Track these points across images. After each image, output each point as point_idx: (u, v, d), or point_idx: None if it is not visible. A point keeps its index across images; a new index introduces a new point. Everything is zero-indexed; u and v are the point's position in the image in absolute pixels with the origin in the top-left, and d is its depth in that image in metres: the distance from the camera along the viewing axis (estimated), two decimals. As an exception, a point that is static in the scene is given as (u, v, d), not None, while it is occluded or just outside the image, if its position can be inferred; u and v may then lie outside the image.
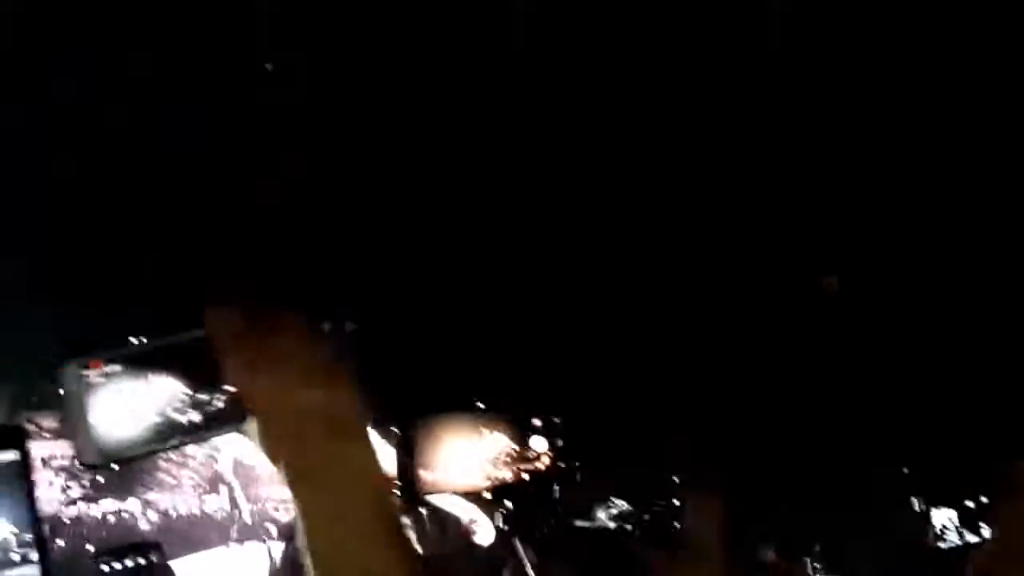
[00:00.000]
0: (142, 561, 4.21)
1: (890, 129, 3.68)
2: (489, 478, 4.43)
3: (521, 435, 4.64)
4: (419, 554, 0.98)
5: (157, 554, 4.32)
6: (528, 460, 4.59)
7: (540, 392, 4.88)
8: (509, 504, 4.62)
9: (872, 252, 4.38)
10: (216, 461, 6.75)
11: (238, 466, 6.68)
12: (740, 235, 4.20)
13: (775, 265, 4.41)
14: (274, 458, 0.96)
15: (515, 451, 4.56)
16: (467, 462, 4.46)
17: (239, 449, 6.57)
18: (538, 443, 4.74)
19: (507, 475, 4.48)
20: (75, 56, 2.76)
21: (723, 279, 4.38)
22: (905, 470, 6.14)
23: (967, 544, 6.01)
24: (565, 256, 4.13)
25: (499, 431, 4.55)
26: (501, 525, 4.64)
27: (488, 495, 4.65)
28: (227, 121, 2.94)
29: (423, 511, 4.80)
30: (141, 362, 0.91)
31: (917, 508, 6.28)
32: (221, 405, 0.96)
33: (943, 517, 6.29)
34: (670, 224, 4.10)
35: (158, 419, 0.94)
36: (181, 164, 2.91)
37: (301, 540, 0.99)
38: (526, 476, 4.56)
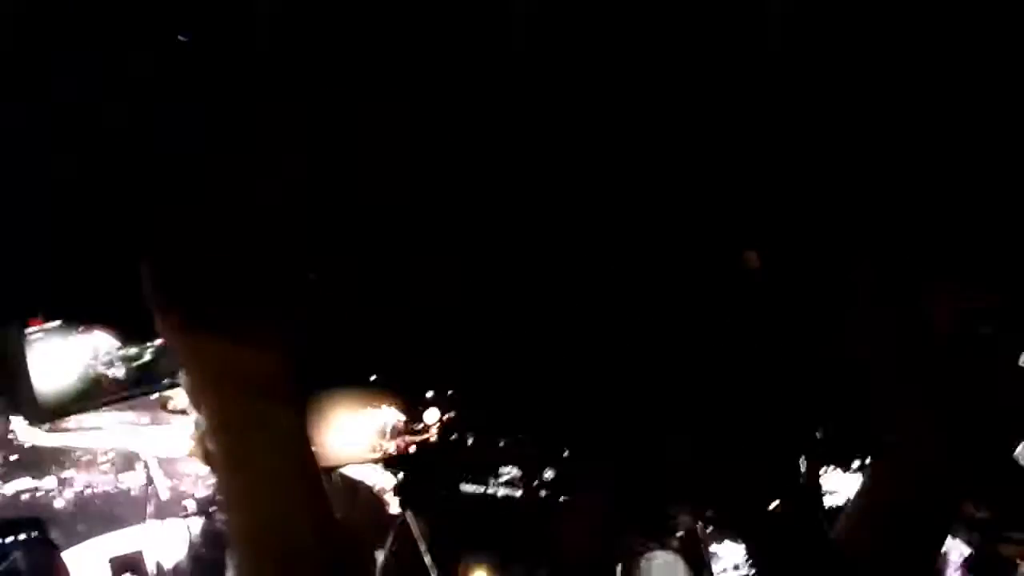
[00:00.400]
0: (22, 537, 4.21)
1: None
2: (381, 450, 4.44)
3: (414, 407, 4.68)
4: (333, 512, 0.99)
5: (37, 530, 4.32)
6: (420, 432, 4.62)
7: (433, 365, 4.84)
8: (400, 475, 4.65)
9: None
10: (132, 437, 6.71)
11: (154, 442, 6.64)
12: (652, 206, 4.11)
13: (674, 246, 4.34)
14: (198, 408, 0.98)
15: (407, 423, 4.58)
16: (359, 435, 4.47)
17: (155, 425, 6.56)
18: (430, 415, 4.78)
19: (399, 446, 4.51)
20: (75, 56, 2.76)
21: (623, 250, 4.30)
22: (792, 432, 6.11)
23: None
24: (459, 228, 4.04)
25: (391, 404, 4.55)
26: (393, 496, 4.67)
27: (381, 466, 4.67)
28: (227, 121, 2.93)
29: (334, 477, 4.83)
30: (79, 320, 0.93)
31: (803, 468, 6.32)
32: (154, 359, 0.98)
33: (829, 477, 6.38)
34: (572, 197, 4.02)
35: (96, 374, 0.96)
36: (181, 164, 2.91)
37: (218, 489, 1.01)
38: (417, 447, 4.59)
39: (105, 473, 7.00)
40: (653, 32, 3.16)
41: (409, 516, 4.45)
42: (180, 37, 2.80)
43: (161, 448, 6.57)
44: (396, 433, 4.61)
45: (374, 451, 4.55)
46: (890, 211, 3.65)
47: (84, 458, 6.98)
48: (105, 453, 7.02)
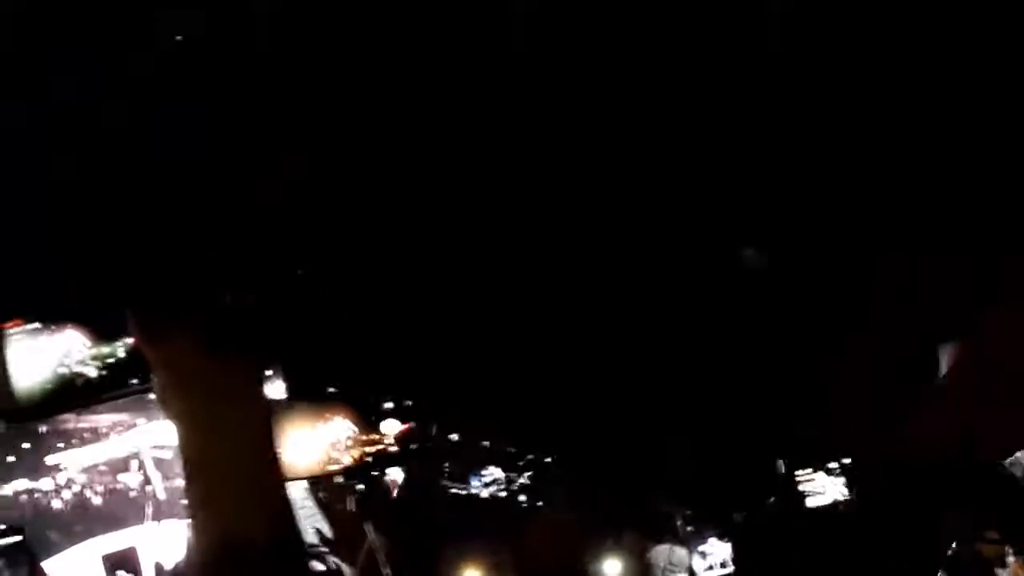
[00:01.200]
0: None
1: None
2: (338, 462, 4.40)
3: (371, 418, 4.64)
4: (287, 510, 1.03)
5: (16, 536, 4.36)
6: (379, 443, 4.59)
7: (395, 375, 4.80)
8: (360, 487, 4.61)
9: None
10: (129, 438, 6.66)
11: (151, 444, 6.60)
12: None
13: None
14: (167, 408, 1.00)
15: (364, 434, 4.54)
16: (314, 447, 4.42)
17: (151, 426, 6.52)
18: (388, 426, 4.77)
19: (355, 458, 4.46)
20: (75, 56, 2.76)
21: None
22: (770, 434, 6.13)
23: (836, 503, 6.18)
24: (415, 244, 3.97)
25: (347, 416, 4.51)
26: (353, 508, 4.62)
27: (340, 479, 4.64)
28: (227, 121, 2.94)
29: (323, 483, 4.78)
30: (59, 321, 0.94)
31: (781, 471, 6.35)
32: (127, 357, 1.00)
33: (808, 479, 6.40)
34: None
35: (71, 373, 0.98)
36: (181, 164, 2.91)
37: (183, 489, 1.04)
38: (375, 458, 4.55)
39: (103, 474, 6.99)
40: (655, 32, 3.17)
41: (368, 529, 4.42)
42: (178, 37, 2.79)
43: (157, 448, 6.54)
44: (352, 445, 4.58)
45: (330, 463, 4.51)
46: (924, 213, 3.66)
47: (82, 460, 6.97)
48: (104, 454, 7.00)
